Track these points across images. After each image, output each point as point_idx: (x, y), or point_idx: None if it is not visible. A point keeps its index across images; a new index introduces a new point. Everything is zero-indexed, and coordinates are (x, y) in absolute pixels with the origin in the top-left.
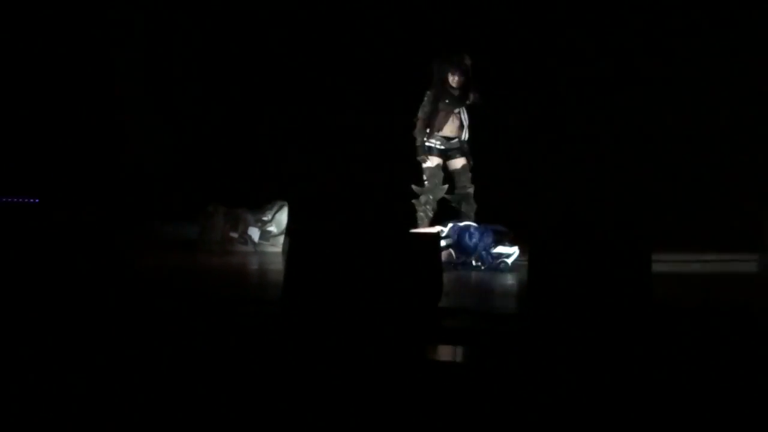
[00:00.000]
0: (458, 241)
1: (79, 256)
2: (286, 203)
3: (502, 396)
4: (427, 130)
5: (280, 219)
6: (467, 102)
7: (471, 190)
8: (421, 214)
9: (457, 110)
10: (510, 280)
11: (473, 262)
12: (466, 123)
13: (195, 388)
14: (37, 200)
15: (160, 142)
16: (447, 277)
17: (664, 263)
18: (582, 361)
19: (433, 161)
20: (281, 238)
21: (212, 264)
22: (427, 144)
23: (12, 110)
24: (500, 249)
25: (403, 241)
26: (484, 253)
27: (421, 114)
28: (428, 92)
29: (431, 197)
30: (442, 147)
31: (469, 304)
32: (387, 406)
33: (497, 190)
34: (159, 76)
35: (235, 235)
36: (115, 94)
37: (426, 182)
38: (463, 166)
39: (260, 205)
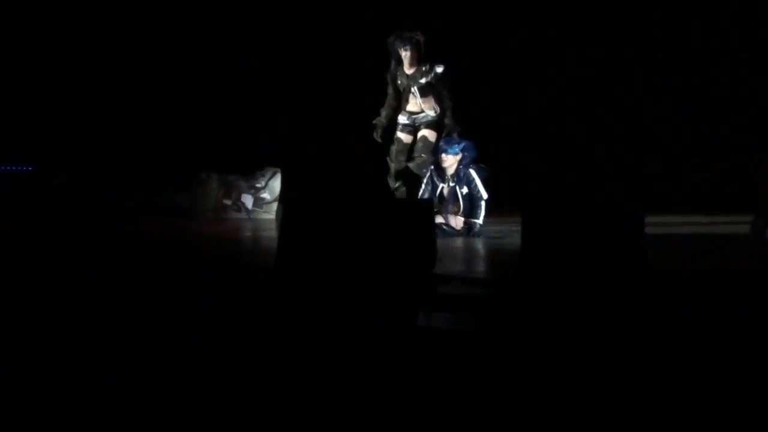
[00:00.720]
0: (444, 142)
1: (73, 222)
2: (279, 170)
3: (496, 365)
4: (384, 112)
5: (273, 186)
6: (423, 80)
7: (428, 158)
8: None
9: (413, 87)
10: (504, 247)
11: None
12: (417, 96)
13: (187, 358)
14: (30, 168)
15: (153, 109)
16: (440, 244)
17: (656, 226)
18: (575, 332)
19: (399, 138)
20: (274, 205)
21: (205, 231)
22: (397, 120)
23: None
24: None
25: (396, 208)
26: (461, 167)
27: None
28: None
29: (393, 160)
30: (407, 122)
31: (462, 270)
32: (380, 375)
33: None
34: (151, 40)
35: (228, 202)
36: (109, 61)
37: (390, 161)
38: (423, 136)
39: (253, 171)
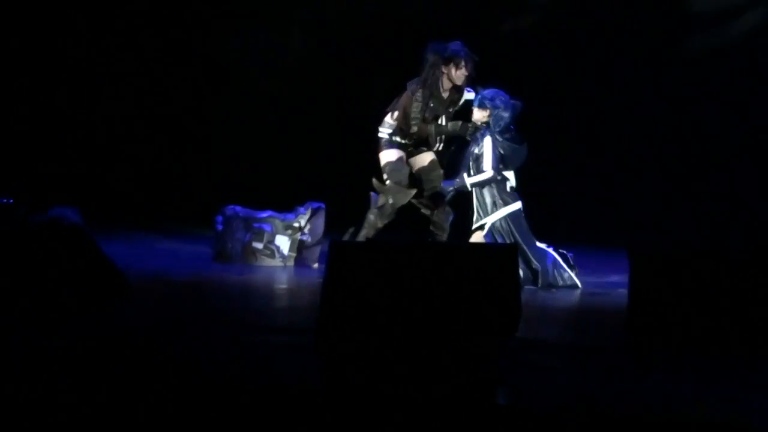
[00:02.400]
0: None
1: (69, 267)
2: (323, 206)
3: None
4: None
5: (315, 226)
6: (452, 108)
7: (441, 189)
8: (370, 217)
9: (442, 115)
10: (603, 305)
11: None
12: (444, 122)
13: None
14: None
15: (168, 129)
16: (525, 298)
17: None
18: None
19: (393, 153)
20: (317, 250)
21: (231, 283)
22: (380, 135)
23: None
24: None
25: (472, 254)
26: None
27: (415, 113)
28: (419, 88)
29: (392, 201)
30: (403, 141)
31: (555, 334)
32: None
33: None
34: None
35: (259, 245)
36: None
37: (386, 181)
38: (431, 163)
39: (291, 208)
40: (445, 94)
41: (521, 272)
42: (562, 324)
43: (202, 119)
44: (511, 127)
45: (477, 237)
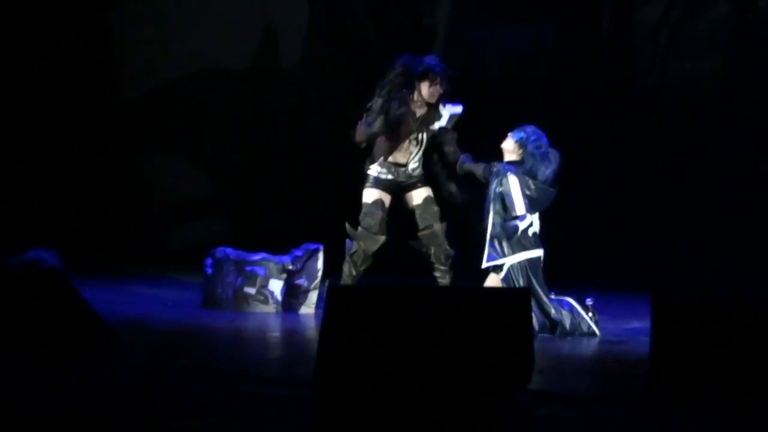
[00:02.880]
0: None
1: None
2: (320, 247)
3: None
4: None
5: (312, 268)
6: (437, 124)
7: (439, 227)
8: (344, 267)
9: (422, 133)
10: (625, 354)
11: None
12: (423, 145)
13: None
14: None
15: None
16: (538, 347)
17: None
18: None
19: (370, 195)
20: (314, 295)
21: (220, 330)
22: (368, 172)
23: None
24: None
25: (479, 298)
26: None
27: (368, 127)
28: (381, 98)
29: (362, 246)
30: (390, 177)
31: (569, 385)
32: None
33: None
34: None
35: (251, 290)
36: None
37: (360, 225)
38: (426, 199)
39: (286, 249)
40: (420, 111)
41: (536, 319)
42: (578, 374)
43: (189, 155)
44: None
45: (493, 280)
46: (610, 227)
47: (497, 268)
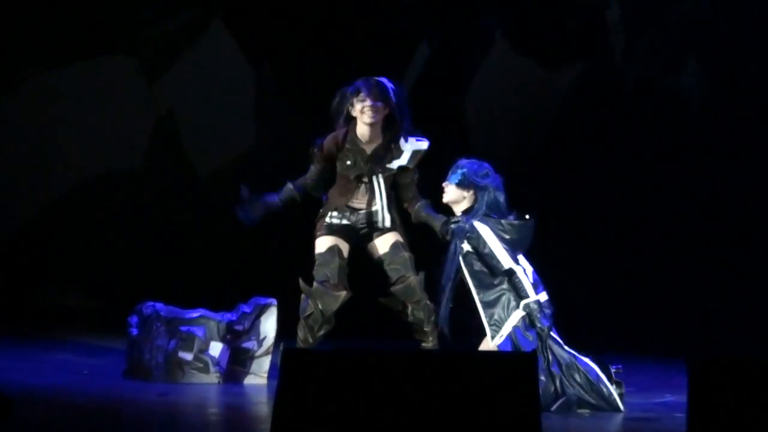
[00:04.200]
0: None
1: None
2: (274, 302)
3: None
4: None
5: (263, 328)
6: (395, 162)
7: (414, 279)
8: (299, 332)
9: (375, 175)
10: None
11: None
12: (383, 192)
13: None
14: None
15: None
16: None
17: None
18: None
19: (324, 242)
20: (266, 362)
21: (148, 406)
22: (318, 219)
23: None
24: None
25: (472, 365)
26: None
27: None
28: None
29: (319, 306)
30: (345, 222)
31: None
32: None
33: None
34: None
35: (187, 356)
36: None
37: (314, 280)
38: (394, 245)
39: (231, 305)
40: (371, 146)
41: (544, 387)
42: None
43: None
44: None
45: (488, 344)
46: (640, 283)
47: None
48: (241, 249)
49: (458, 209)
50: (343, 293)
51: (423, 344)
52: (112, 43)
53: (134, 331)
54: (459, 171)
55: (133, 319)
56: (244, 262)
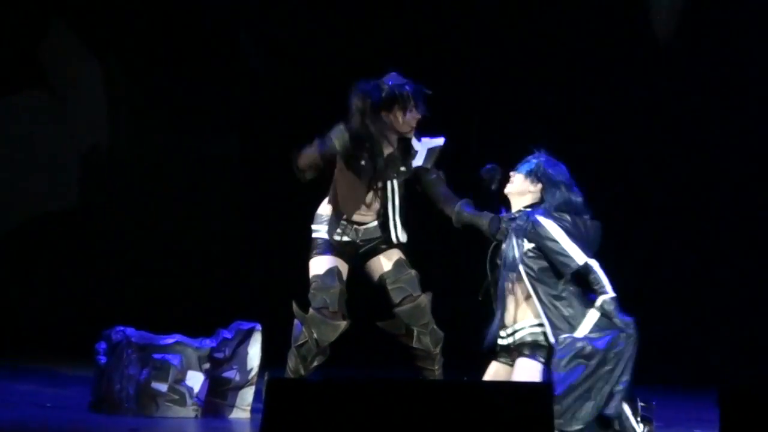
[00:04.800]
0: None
1: None
2: (258, 327)
3: None
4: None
5: (246, 357)
6: (411, 164)
7: (423, 299)
8: (290, 361)
9: (391, 179)
10: None
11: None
12: (396, 197)
13: None
14: None
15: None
16: None
17: None
18: None
19: (322, 263)
20: (249, 393)
21: None
22: (314, 235)
23: None
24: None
25: (480, 397)
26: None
27: (320, 148)
28: (337, 138)
29: (315, 335)
30: (347, 239)
31: None
32: None
33: None
34: None
35: (161, 387)
36: None
37: (310, 306)
38: (398, 263)
39: (210, 330)
40: (387, 150)
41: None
42: None
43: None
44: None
45: (524, 369)
46: (669, 306)
47: (536, 349)
48: (221, 267)
49: (519, 203)
50: (343, 323)
51: (426, 373)
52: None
53: (102, 359)
54: (533, 161)
55: (101, 346)
56: (224, 282)
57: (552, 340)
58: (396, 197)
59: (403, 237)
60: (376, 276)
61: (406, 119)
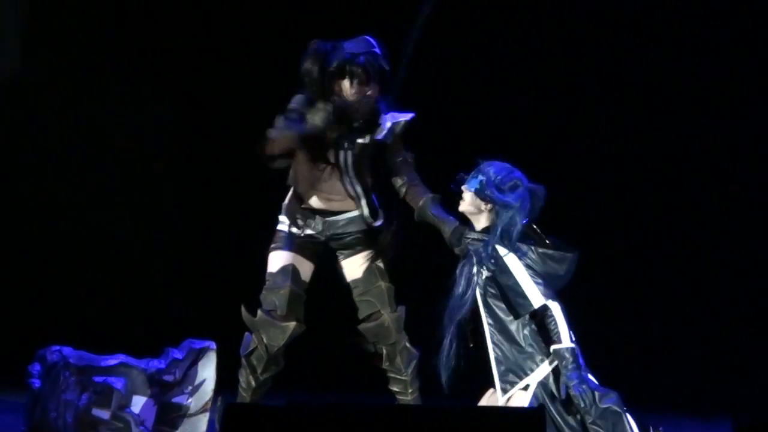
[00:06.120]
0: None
1: None
2: (213, 346)
3: None
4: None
5: (199, 379)
6: (367, 138)
7: (390, 317)
8: (240, 374)
9: (345, 151)
10: None
11: None
12: (349, 168)
13: None
14: None
15: None
16: None
17: None
18: None
19: (277, 259)
20: (202, 421)
21: None
22: (278, 227)
23: None
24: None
25: (461, 423)
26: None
27: (290, 126)
28: (314, 113)
29: (264, 339)
30: (310, 231)
31: None
32: None
33: None
34: None
35: (103, 414)
36: None
37: (261, 306)
38: (368, 271)
39: (158, 349)
40: (349, 119)
41: None
42: None
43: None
44: (534, 227)
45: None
46: (681, 333)
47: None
48: (171, 276)
49: (477, 225)
50: (293, 324)
51: (400, 397)
52: None
53: (36, 383)
54: (480, 176)
55: (35, 368)
56: (173, 293)
57: (497, 384)
58: (350, 169)
59: (374, 218)
60: (346, 280)
61: (351, 92)
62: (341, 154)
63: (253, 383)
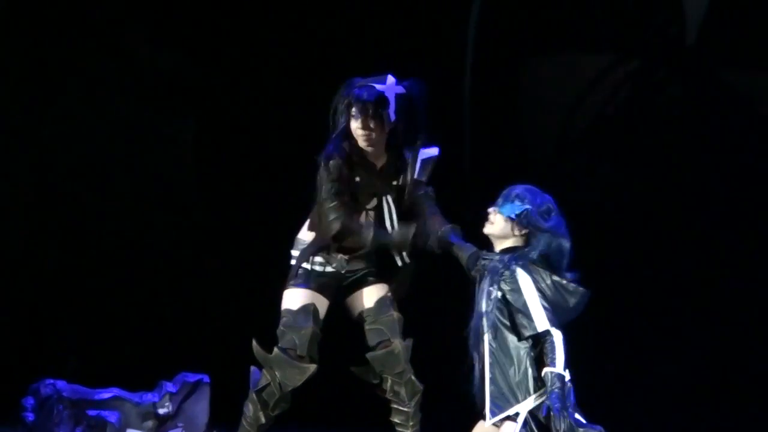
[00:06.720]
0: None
1: None
2: (206, 379)
3: None
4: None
5: (194, 413)
6: (402, 178)
7: (400, 346)
8: (247, 408)
9: (385, 196)
10: None
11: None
12: (393, 216)
13: None
14: None
15: None
16: None
17: None
18: None
19: (297, 297)
20: None
21: None
22: (295, 261)
23: None
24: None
25: None
26: (507, 257)
27: (326, 196)
28: (325, 171)
29: (278, 377)
30: (330, 269)
31: None
32: None
33: None
34: None
35: None
36: None
37: (278, 343)
38: (381, 301)
39: (152, 383)
40: (377, 160)
41: None
42: None
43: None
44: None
45: (503, 429)
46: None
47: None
48: (166, 308)
49: (499, 246)
50: (312, 367)
51: (400, 429)
52: None
53: (30, 417)
54: (518, 203)
55: (29, 401)
56: (168, 326)
57: (487, 405)
58: (393, 214)
59: (407, 258)
60: (356, 312)
61: (354, 129)
62: (384, 200)
63: (262, 419)
